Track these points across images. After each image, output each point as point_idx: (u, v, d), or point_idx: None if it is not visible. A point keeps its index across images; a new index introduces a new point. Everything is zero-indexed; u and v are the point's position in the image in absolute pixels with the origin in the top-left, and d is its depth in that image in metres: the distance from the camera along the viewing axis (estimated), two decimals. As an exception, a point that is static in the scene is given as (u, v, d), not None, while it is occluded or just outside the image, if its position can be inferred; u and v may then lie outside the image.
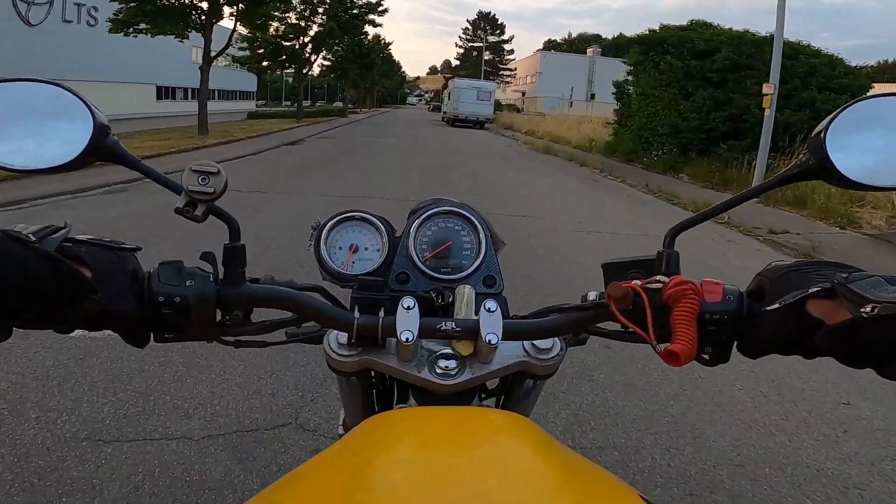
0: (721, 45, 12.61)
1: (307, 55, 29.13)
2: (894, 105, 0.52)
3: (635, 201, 9.00)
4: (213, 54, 16.75)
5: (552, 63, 59.15)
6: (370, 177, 9.59)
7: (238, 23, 17.28)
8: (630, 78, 16.78)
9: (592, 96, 51.98)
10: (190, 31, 16.12)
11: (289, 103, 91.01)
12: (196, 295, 0.50)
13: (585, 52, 63.54)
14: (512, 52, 79.03)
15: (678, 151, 12.78)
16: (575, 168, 13.50)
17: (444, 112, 39.08)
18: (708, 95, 12.10)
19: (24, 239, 0.43)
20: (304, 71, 29.94)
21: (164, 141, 13.30)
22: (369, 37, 52.40)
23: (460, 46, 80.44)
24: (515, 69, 69.56)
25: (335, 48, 31.32)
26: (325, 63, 52.18)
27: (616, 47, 66.42)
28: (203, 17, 15.56)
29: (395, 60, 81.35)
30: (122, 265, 0.49)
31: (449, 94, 35.58)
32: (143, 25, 14.66)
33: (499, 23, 76.52)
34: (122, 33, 14.67)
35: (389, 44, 71.37)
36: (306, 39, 28.87)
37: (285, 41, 28.27)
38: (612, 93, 17.50)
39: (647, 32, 15.13)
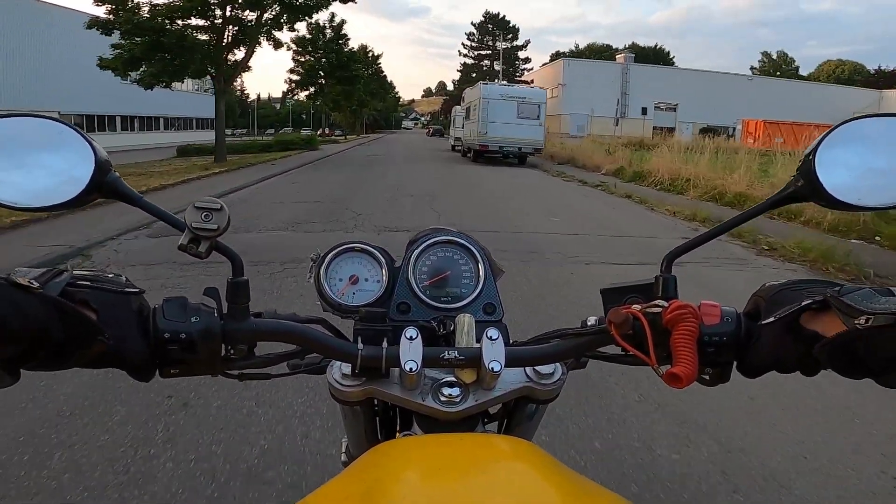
0: None
1: (226, 52, 17.04)
2: (881, 125, 0.52)
3: None
4: None
5: (578, 72, 47.56)
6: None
7: None
8: None
9: (644, 111, 40.42)
10: None
11: (273, 131, 79.47)
12: (201, 331, 0.51)
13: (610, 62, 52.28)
14: (528, 60, 66.55)
15: None
16: None
17: (457, 138, 27.09)
18: None
19: (27, 285, 0.42)
20: (227, 79, 17.86)
21: None
22: (349, 43, 40.96)
23: (465, 55, 65.70)
24: (532, 81, 58.14)
25: (287, 44, 19.19)
26: (294, 77, 40.65)
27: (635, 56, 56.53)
28: None
29: (386, 79, 69.95)
30: (127, 304, 0.49)
31: (468, 110, 22.56)
32: None
33: (511, 25, 62.88)
34: None
35: (378, 56, 60.08)
36: (227, 29, 16.82)
37: (192, 29, 16.20)
38: None
39: None
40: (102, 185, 0.51)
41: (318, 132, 66.21)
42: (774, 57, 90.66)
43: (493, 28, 61.16)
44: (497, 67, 55.58)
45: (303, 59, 37.90)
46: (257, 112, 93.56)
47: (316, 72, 38.10)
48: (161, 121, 40.76)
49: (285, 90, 40.96)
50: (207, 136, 43.17)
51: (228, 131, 68.55)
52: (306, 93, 40.58)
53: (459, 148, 27.46)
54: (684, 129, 42.62)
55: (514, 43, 61.38)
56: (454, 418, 0.57)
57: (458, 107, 28.49)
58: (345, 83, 37.72)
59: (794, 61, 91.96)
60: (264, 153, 24.20)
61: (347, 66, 38.15)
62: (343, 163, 19.07)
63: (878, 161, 0.51)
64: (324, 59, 38.11)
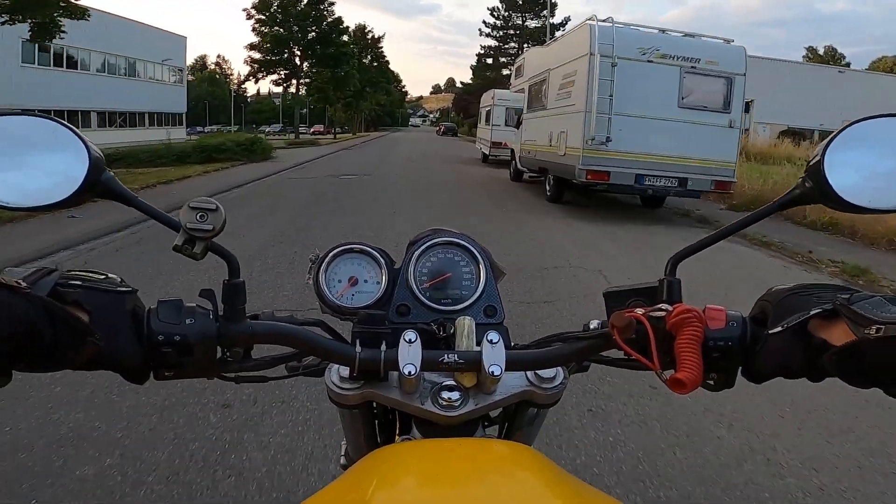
0: None
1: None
2: (891, 125, 0.51)
3: None
4: None
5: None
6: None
7: None
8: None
9: (747, 106, 29.56)
10: None
11: (267, 128, 68.91)
12: (196, 333, 0.50)
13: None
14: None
15: None
16: None
17: (497, 144, 16.31)
18: None
19: (14, 285, 0.42)
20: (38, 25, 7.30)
21: None
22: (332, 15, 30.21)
23: (488, 35, 51.97)
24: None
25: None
26: (255, 54, 29.99)
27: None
28: None
29: (389, 66, 59.12)
30: (120, 305, 0.48)
31: (531, 90, 10.87)
32: None
33: (547, -1, 49.22)
34: None
35: (380, 38, 49.38)
36: None
37: None
38: None
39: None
40: (96, 185, 0.50)
41: (311, 130, 55.59)
42: (821, 52, 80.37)
43: (523, 2, 48.88)
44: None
45: (265, 30, 27.20)
46: (254, 108, 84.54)
47: (286, 46, 27.21)
48: (84, 116, 30.51)
49: (247, 73, 29.98)
50: (171, 135, 32.55)
51: (214, 128, 58.10)
52: (273, 77, 29.65)
53: (495, 158, 16.71)
54: (760, 130, 32.72)
55: (551, 21, 46.94)
56: (454, 422, 0.56)
57: (497, 90, 17.31)
58: (328, 63, 27.05)
59: (843, 57, 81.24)
60: (169, 168, 13.89)
61: (329, 39, 27.21)
62: (273, 204, 8.43)
63: (888, 162, 0.50)
64: (296, 29, 27.05)
